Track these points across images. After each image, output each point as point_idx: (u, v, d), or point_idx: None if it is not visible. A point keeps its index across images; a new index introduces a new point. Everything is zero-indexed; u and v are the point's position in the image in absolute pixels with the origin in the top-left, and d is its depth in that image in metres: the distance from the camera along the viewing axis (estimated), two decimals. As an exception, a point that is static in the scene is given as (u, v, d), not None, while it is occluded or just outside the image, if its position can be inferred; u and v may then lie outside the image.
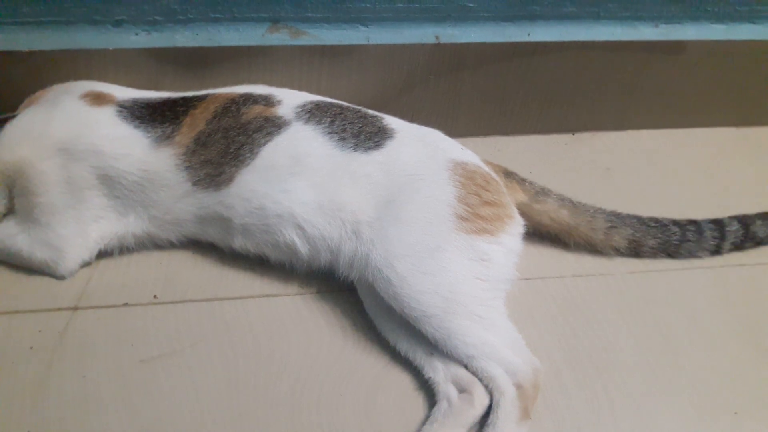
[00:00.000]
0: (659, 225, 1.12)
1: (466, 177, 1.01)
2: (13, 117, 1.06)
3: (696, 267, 1.13)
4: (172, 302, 1.04)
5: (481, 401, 0.88)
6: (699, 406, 0.93)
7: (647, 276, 1.12)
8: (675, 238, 1.12)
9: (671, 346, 1.01)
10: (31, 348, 0.96)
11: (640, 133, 1.47)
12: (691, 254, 1.14)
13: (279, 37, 1.20)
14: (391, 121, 1.10)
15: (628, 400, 0.93)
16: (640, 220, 1.13)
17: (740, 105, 1.45)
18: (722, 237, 1.13)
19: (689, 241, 1.12)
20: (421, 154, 1.05)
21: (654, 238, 1.12)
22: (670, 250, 1.13)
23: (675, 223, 1.13)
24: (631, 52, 1.33)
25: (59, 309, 1.02)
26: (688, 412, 0.92)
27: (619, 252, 1.13)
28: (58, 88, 1.12)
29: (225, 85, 1.14)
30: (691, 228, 1.13)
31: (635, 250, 1.13)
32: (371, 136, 1.06)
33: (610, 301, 1.08)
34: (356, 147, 1.04)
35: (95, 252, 1.07)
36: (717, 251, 1.14)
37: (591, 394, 0.94)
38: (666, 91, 1.40)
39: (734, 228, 1.13)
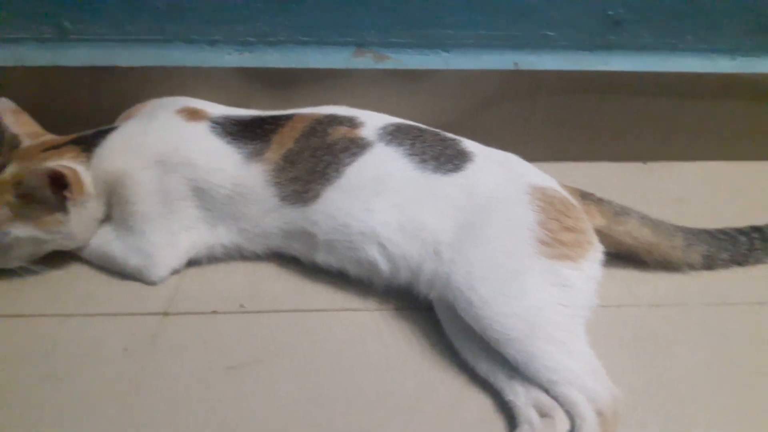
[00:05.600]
0: (728, 237, 1.15)
1: (546, 202, 1.03)
2: (113, 129, 1.12)
3: (773, 302, 1.14)
4: (257, 312, 1.07)
5: (562, 426, 0.89)
6: (779, 444, 0.93)
7: (723, 308, 1.12)
8: (744, 248, 1.15)
9: (751, 382, 1.00)
10: (125, 350, 1.01)
11: (713, 164, 1.46)
12: (759, 261, 1.17)
13: (363, 61, 1.24)
14: (469, 144, 1.13)
15: (707, 433, 0.93)
16: (711, 234, 1.15)
17: (816, 139, 1.45)
18: None
19: (757, 249, 1.16)
20: (501, 177, 1.07)
21: (726, 251, 1.14)
22: (740, 260, 1.16)
23: (740, 232, 1.16)
24: (707, 83, 1.33)
25: (151, 314, 1.06)
26: (768, 448, 0.92)
27: (692, 267, 1.15)
28: (155, 103, 1.18)
29: (309, 105, 1.19)
30: (756, 235, 1.16)
31: (708, 265, 1.15)
32: (451, 159, 1.08)
33: (687, 332, 1.08)
34: (436, 169, 1.07)
35: (185, 260, 1.12)
36: None
37: (670, 426, 0.94)
38: (741, 123, 1.40)
39: None
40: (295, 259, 1.14)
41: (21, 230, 1.04)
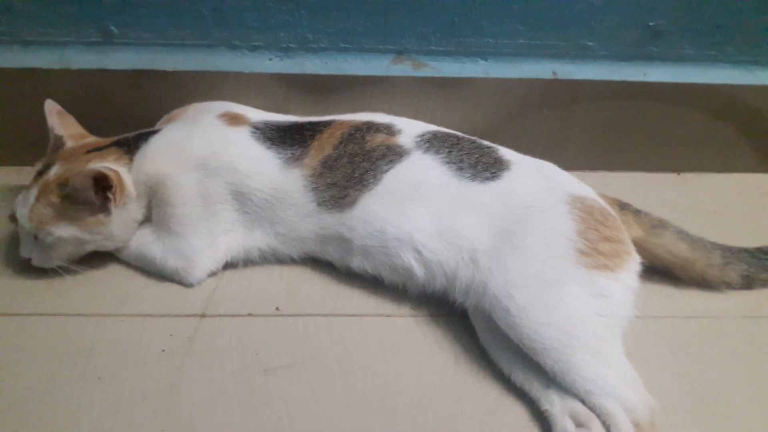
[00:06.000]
0: None
1: (585, 211, 1.02)
2: (155, 132, 1.13)
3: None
4: (292, 315, 1.08)
5: (598, 437, 0.89)
6: (818, 459, 0.91)
7: (760, 322, 1.10)
8: None
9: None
10: (163, 351, 1.02)
11: (749, 176, 1.45)
12: None
13: (402, 68, 1.25)
14: (506, 152, 1.13)
15: (744, 447, 0.92)
16: (750, 253, 1.13)
17: None
18: None
19: None
20: (539, 186, 1.07)
21: (767, 271, 1.12)
22: None
23: None
24: (745, 96, 1.32)
25: (188, 315, 1.08)
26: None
27: (729, 286, 1.13)
28: (196, 107, 1.19)
29: (347, 111, 1.20)
30: None
31: (747, 284, 1.13)
32: (488, 167, 1.08)
33: (723, 344, 1.07)
34: (473, 177, 1.07)
35: (222, 263, 1.13)
36: None
37: (706, 438, 0.93)
38: (779, 136, 1.39)
39: None
40: (330, 264, 1.15)
41: (64, 230, 1.06)
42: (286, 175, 1.09)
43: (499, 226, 1.03)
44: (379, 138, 1.11)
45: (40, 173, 1.09)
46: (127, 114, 1.23)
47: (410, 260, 1.06)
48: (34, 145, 1.15)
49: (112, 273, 1.15)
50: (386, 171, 1.08)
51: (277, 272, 1.15)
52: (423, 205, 1.06)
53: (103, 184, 1.04)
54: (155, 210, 1.12)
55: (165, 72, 1.21)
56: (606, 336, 0.94)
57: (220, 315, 1.08)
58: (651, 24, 1.23)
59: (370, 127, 1.13)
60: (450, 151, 1.10)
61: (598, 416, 0.90)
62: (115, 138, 1.14)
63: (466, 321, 1.07)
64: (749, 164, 1.44)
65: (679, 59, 1.29)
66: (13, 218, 1.09)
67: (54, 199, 1.05)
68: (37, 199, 1.05)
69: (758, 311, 1.12)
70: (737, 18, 1.24)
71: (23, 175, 1.15)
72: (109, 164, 1.07)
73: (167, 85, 1.22)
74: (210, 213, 1.09)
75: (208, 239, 1.10)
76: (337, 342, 1.05)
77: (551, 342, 0.92)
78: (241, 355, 1.02)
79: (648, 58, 1.28)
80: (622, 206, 1.13)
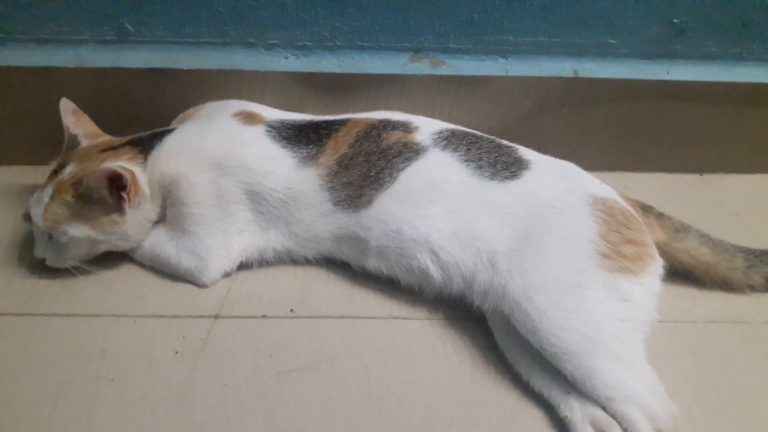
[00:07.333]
0: None
1: (607, 213, 1.00)
2: (170, 131, 1.12)
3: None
4: (307, 317, 1.07)
5: (620, 445, 0.87)
6: None
7: (786, 327, 1.08)
8: None
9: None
10: (176, 352, 1.01)
11: (774, 177, 1.42)
12: None
13: (419, 66, 1.23)
14: (526, 152, 1.11)
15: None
16: None
17: None
18: None
19: None
20: (559, 186, 1.05)
21: None
22: None
23: None
24: (772, 94, 1.29)
25: (201, 316, 1.06)
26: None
27: (754, 288, 1.11)
28: (211, 106, 1.18)
29: (363, 110, 1.18)
30: None
31: None
32: (507, 166, 1.06)
33: (746, 350, 1.04)
34: (493, 176, 1.05)
35: (237, 263, 1.12)
36: None
37: (730, 446, 0.91)
38: (807, 136, 1.35)
39: None
40: (345, 265, 1.13)
41: (77, 230, 1.05)
42: (301, 175, 1.08)
43: (518, 227, 1.01)
44: (396, 135, 1.09)
45: (55, 172, 1.09)
46: (142, 113, 1.22)
47: (427, 262, 1.04)
48: (49, 144, 1.14)
49: (126, 273, 1.14)
50: (402, 169, 1.06)
51: (291, 273, 1.14)
52: (440, 205, 1.04)
53: (117, 184, 1.03)
54: (169, 210, 1.11)
55: (180, 70, 1.20)
56: (628, 341, 0.92)
57: (234, 316, 1.07)
58: (675, 21, 1.20)
59: (387, 125, 1.11)
60: (468, 150, 1.08)
61: (620, 423, 0.88)
62: (129, 137, 1.13)
63: (484, 324, 1.05)
64: (774, 165, 1.41)
65: (703, 57, 1.26)
66: (27, 218, 1.08)
67: (68, 198, 1.04)
68: (52, 198, 1.04)
69: (783, 316, 1.10)
70: (764, 15, 1.20)
71: (38, 174, 1.16)
72: (124, 163, 1.07)
73: (182, 84, 1.21)
74: (224, 213, 1.08)
75: (222, 239, 1.09)
76: (352, 345, 1.03)
77: (572, 347, 0.90)
78: (254, 358, 1.00)
79: (671, 56, 1.25)
80: (645, 209, 1.10)
